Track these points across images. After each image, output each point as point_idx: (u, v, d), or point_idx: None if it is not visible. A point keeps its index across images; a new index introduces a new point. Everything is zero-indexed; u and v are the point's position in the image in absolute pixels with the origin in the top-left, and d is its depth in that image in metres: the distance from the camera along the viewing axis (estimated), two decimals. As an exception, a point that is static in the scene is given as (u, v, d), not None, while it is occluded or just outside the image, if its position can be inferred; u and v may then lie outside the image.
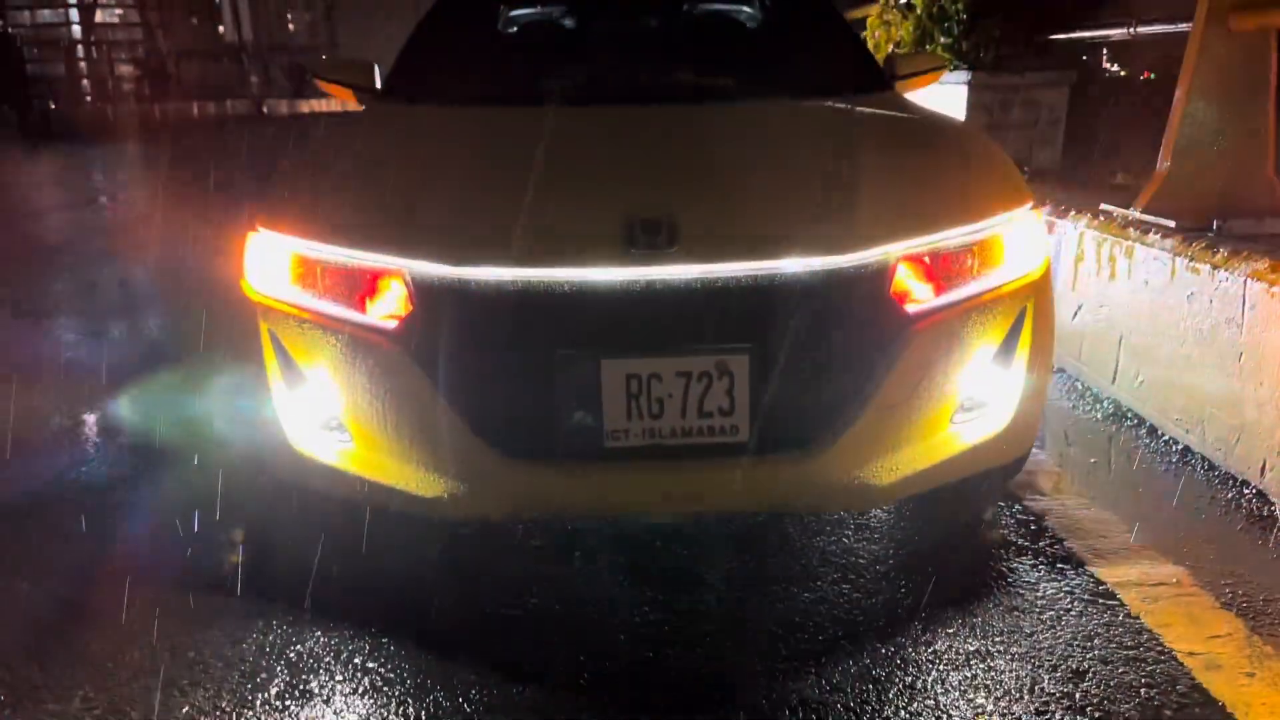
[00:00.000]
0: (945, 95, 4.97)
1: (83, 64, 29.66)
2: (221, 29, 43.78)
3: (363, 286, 1.87)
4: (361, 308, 1.86)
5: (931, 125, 2.44)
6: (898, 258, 1.87)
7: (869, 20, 6.31)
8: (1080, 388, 3.37)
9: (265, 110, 35.26)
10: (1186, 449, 2.77)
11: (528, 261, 1.78)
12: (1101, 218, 3.36)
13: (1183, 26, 3.25)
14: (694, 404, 1.78)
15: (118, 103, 27.63)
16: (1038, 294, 2.05)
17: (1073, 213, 3.55)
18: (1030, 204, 2.09)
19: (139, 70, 30.56)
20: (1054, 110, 4.77)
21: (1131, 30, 3.63)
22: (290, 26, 57.31)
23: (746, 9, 3.23)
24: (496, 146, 2.17)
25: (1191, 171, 3.10)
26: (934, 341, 1.88)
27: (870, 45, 6.22)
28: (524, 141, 2.15)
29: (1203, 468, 2.67)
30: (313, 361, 1.90)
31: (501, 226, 1.83)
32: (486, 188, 1.95)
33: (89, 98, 27.05)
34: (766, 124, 2.33)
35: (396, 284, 1.84)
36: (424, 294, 1.81)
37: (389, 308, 1.85)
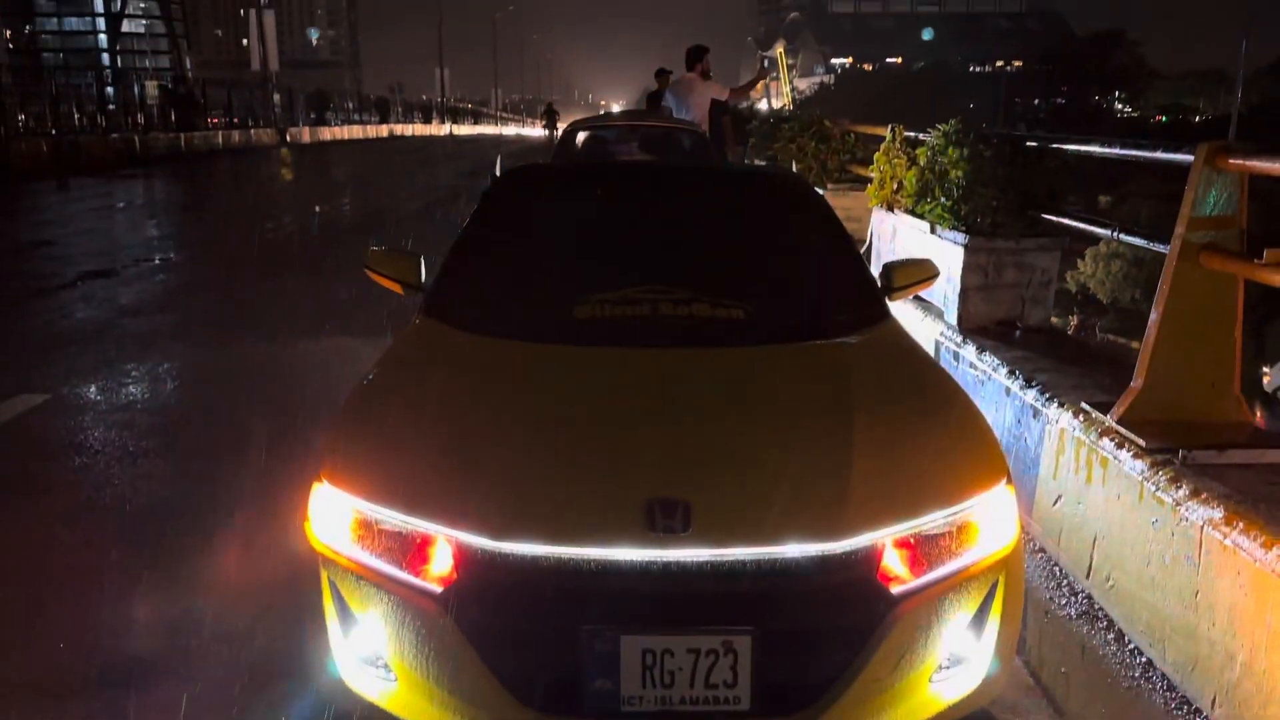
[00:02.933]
0: (944, 252, 5.26)
1: (110, 89, 30.12)
2: (246, 46, 44.35)
3: (414, 549, 2.14)
4: (414, 569, 2.13)
5: (923, 387, 2.71)
6: (884, 543, 2.13)
7: (875, 156, 6.63)
8: (1058, 574, 3.61)
9: (289, 138, 35.86)
10: (1150, 662, 3.01)
11: (560, 539, 2.05)
12: (1081, 418, 3.62)
13: (1159, 247, 3.53)
14: (701, 677, 2.04)
15: (144, 130, 28.07)
16: (1009, 567, 2.30)
17: (1055, 405, 3.82)
18: (1005, 480, 2.35)
19: (165, 98, 31.04)
20: (1046, 272, 5.07)
21: (1115, 235, 3.92)
22: (314, 42, 57.88)
23: (762, 222, 3.53)
24: (534, 406, 2.45)
25: (1163, 392, 3.37)
26: (916, 618, 2.14)
27: (875, 180, 6.53)
28: (559, 400, 2.45)
29: (1162, 686, 2.91)
30: (366, 610, 2.16)
31: (537, 503, 2.11)
32: (526, 458, 2.23)
33: (115, 126, 27.48)
34: (775, 384, 2.62)
35: (444, 549, 2.10)
36: (468, 561, 2.07)
37: (437, 569, 2.11)
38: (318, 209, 16.46)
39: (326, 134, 41.04)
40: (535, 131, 66.47)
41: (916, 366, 2.90)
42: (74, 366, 6.25)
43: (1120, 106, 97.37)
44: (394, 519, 2.16)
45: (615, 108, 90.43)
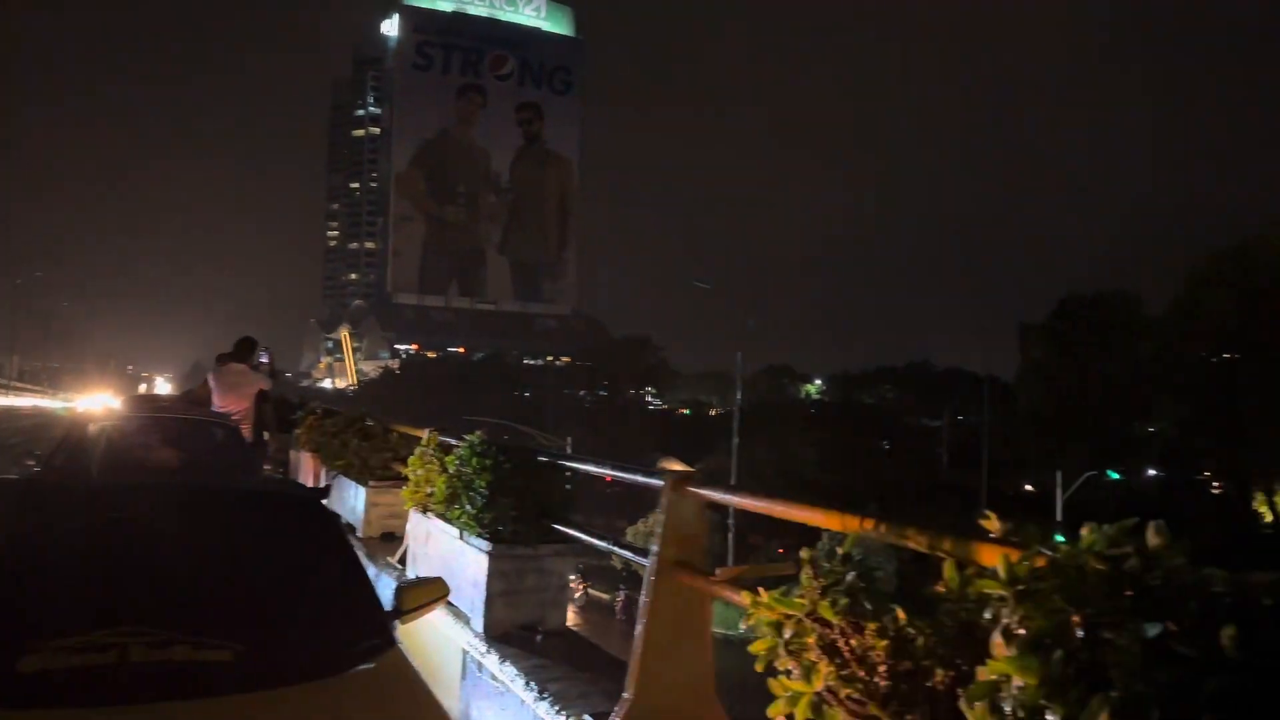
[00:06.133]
0: (471, 558, 5.38)
1: None
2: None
3: None
4: None
5: None
6: None
7: (410, 460, 6.78)
8: None
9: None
10: None
11: None
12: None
13: (643, 560, 3.93)
14: None
15: None
16: None
17: (563, 717, 3.92)
18: None
19: None
20: (562, 577, 5.38)
21: (611, 547, 4.31)
22: None
23: (262, 549, 3.36)
24: None
25: (653, 700, 3.61)
26: None
27: (411, 483, 6.63)
28: None
29: None
30: None
31: None
32: None
33: None
34: None
35: None
36: None
37: None
38: None
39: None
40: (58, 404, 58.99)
41: (411, 706, 2.84)
42: None
43: (651, 400, 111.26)
44: None
45: (160, 381, 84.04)
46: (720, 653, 3.82)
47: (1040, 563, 1.85)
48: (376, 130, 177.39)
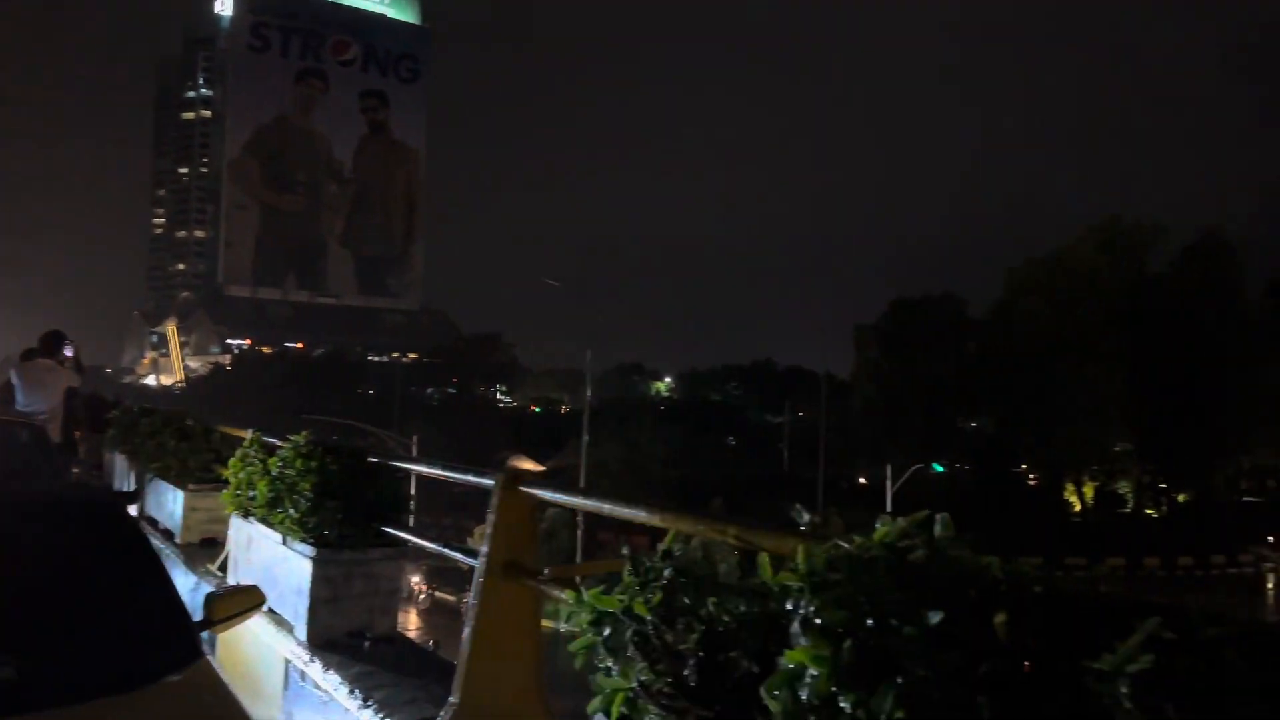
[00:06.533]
0: (295, 564, 5.17)
1: None
2: None
3: None
4: None
5: None
6: None
7: (231, 461, 6.45)
8: None
9: None
10: None
11: None
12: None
13: (472, 562, 3.87)
14: None
15: None
16: None
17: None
18: None
19: None
20: (392, 580, 5.23)
21: (442, 549, 4.22)
22: None
23: (54, 559, 3.12)
24: None
25: (480, 703, 3.56)
26: None
27: (232, 489, 6.31)
28: None
29: None
30: None
31: None
32: None
33: None
34: None
35: None
36: None
37: None
38: None
39: None
40: None
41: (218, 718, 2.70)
42: None
43: (502, 397, 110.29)
44: None
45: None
46: (563, 649, 3.80)
47: (837, 554, 1.92)
48: (208, 114, 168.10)
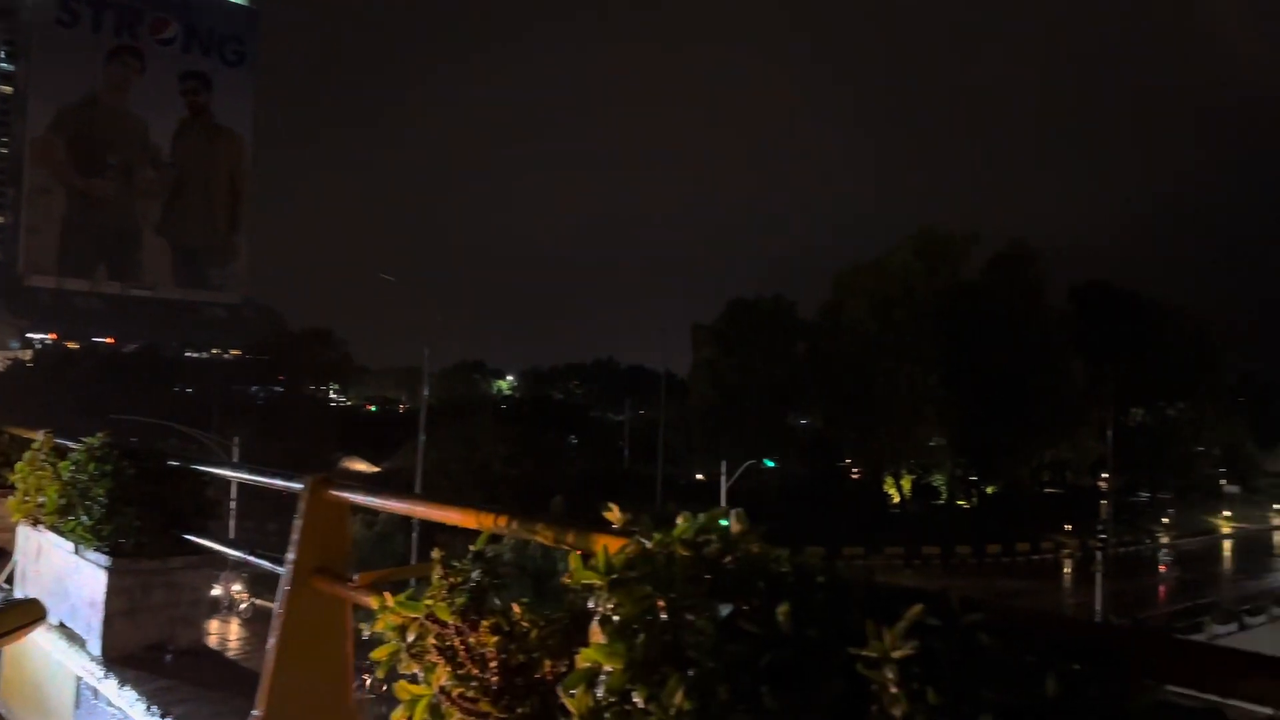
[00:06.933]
0: (89, 575, 4.81)
1: None
2: None
3: None
4: None
5: None
6: None
7: (18, 465, 5.94)
8: None
9: None
10: None
11: None
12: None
13: (279, 569, 3.70)
14: None
15: None
16: None
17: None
18: None
19: None
20: (196, 590, 4.95)
21: (247, 556, 4.02)
22: None
23: None
24: None
25: (288, 714, 3.41)
26: None
27: (20, 495, 5.82)
28: None
29: None
30: None
31: None
32: None
33: None
34: None
35: None
36: None
37: None
38: None
39: None
40: None
41: None
42: None
43: (334, 396, 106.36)
44: None
45: None
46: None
47: (635, 552, 1.94)
48: (8, 89, 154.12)
